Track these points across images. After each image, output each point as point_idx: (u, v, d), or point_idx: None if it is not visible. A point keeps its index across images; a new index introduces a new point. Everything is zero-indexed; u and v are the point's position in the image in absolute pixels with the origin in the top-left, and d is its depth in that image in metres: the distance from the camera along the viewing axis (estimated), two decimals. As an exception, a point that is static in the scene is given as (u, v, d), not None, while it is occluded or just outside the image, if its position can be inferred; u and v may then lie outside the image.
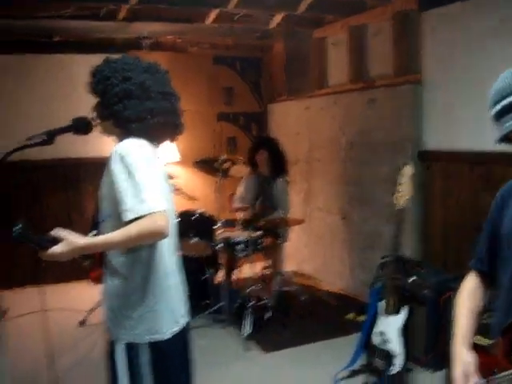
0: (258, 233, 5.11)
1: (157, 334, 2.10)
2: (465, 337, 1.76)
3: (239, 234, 5.16)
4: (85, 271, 2.30)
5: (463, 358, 1.68)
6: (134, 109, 2.04)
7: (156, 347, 2.10)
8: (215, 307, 4.86)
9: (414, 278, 3.96)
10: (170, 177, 2.35)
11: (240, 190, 5.76)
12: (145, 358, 2.09)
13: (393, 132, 4.88)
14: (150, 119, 2.07)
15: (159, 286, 2.11)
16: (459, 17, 4.27)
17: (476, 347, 1.74)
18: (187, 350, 2.33)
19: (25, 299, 5.21)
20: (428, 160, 4.64)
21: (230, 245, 4.95)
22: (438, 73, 4.51)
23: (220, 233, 4.93)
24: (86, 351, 4.40)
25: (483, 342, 1.75)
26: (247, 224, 5.02)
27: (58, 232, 1.93)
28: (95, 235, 2.08)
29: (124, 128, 2.08)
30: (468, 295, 1.87)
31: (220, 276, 5.21)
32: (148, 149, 2.07)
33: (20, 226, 1.83)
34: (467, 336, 1.76)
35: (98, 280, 2.20)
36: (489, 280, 1.86)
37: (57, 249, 1.90)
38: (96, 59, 2.16)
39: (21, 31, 5.78)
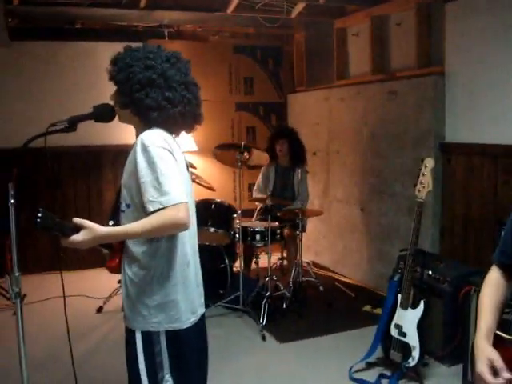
0: (277, 223, 5.11)
1: (176, 323, 2.12)
2: (489, 331, 1.74)
3: (257, 224, 5.16)
4: (103, 260, 2.30)
5: (489, 354, 1.66)
6: (156, 97, 2.03)
7: (174, 336, 2.12)
8: (232, 296, 4.86)
9: (433, 271, 3.93)
10: (191, 166, 2.35)
11: (259, 179, 5.76)
12: (163, 346, 2.11)
13: (414, 124, 4.84)
14: (171, 109, 2.07)
15: (179, 275, 2.12)
16: (483, 7, 4.21)
17: (498, 340, 1.72)
18: (203, 340, 2.34)
19: (43, 285, 5.28)
20: (449, 152, 4.59)
21: (248, 234, 4.95)
22: (461, 64, 4.45)
23: (238, 222, 4.93)
24: (102, 338, 4.45)
25: (505, 336, 1.73)
26: (266, 214, 5.01)
27: (80, 220, 1.94)
28: (114, 225, 2.09)
29: (144, 116, 2.07)
30: (491, 288, 1.85)
31: (238, 265, 5.21)
32: (170, 140, 2.06)
33: (42, 213, 1.84)
34: (490, 331, 1.75)
35: (115, 269, 2.20)
36: None
37: (78, 237, 1.92)
38: (119, 47, 2.15)
39: (43, 17, 5.82)
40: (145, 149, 1.97)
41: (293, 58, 7.28)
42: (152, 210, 1.92)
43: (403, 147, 5.00)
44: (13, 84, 5.99)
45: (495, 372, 1.62)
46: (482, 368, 1.65)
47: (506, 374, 1.59)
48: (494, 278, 1.87)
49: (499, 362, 1.62)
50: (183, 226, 1.95)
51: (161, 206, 1.91)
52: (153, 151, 1.96)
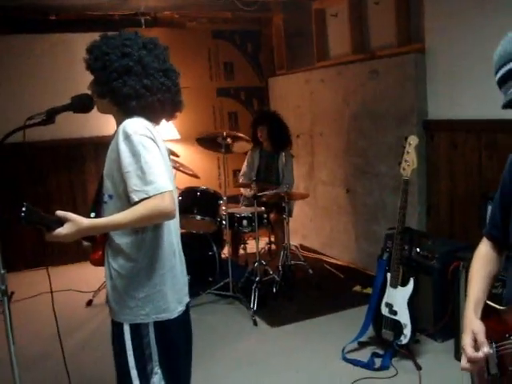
0: (263, 208, 5.09)
1: (164, 313, 2.10)
2: (477, 304, 1.75)
3: (244, 210, 5.14)
4: (86, 253, 2.27)
5: (474, 326, 1.66)
6: (133, 85, 1.98)
7: (162, 326, 2.10)
8: (222, 283, 4.85)
9: (421, 248, 3.94)
10: (174, 154, 2.32)
11: (244, 165, 5.74)
12: (151, 338, 2.09)
13: (396, 102, 4.83)
14: (150, 96, 2.03)
15: (165, 265, 2.10)
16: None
17: (489, 311, 1.73)
18: (188, 329, 2.33)
19: (30, 282, 5.23)
20: (432, 129, 4.59)
21: (234, 221, 4.93)
22: (442, 41, 4.43)
23: (224, 209, 4.91)
24: (93, 331, 4.42)
25: (497, 306, 1.74)
26: (252, 199, 4.99)
27: (63, 213, 1.90)
28: (95, 217, 2.06)
29: (122, 105, 2.03)
30: (481, 261, 1.85)
31: (226, 252, 5.20)
32: (151, 128, 2.03)
33: (26, 207, 1.81)
34: (479, 303, 1.75)
35: (99, 262, 2.17)
36: (502, 246, 1.84)
37: (62, 230, 1.88)
38: (95, 37, 2.11)
39: (16, 10, 5.70)
40: (127, 137, 1.93)
41: (272, 41, 7.22)
42: (137, 199, 1.89)
43: (386, 126, 4.99)
44: (-13, 79, 5.89)
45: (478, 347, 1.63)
46: (465, 340, 1.66)
47: (486, 349, 1.59)
48: (484, 251, 1.88)
49: (481, 336, 1.62)
50: (169, 215, 1.93)
51: (146, 196, 1.88)
52: (135, 140, 1.92)
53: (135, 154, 1.91)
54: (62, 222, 1.89)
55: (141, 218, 1.89)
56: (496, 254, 1.86)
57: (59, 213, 1.89)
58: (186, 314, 2.24)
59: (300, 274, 5.30)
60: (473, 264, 1.87)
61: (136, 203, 1.89)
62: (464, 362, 1.63)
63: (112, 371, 3.45)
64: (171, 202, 1.91)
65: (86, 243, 2.15)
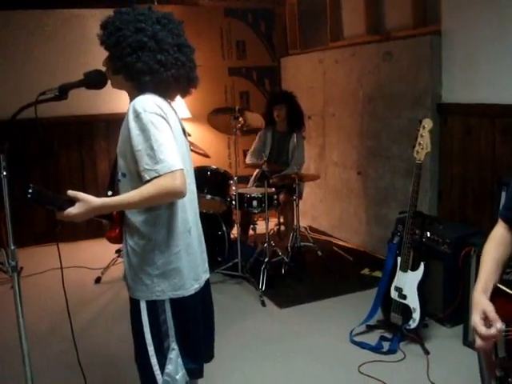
0: (273, 189, 5.07)
1: (180, 291, 2.11)
2: (487, 284, 1.74)
3: (254, 190, 5.12)
4: (102, 230, 2.27)
5: (484, 306, 1.66)
6: (147, 61, 1.96)
7: (178, 303, 2.11)
8: (230, 263, 4.86)
9: (432, 233, 3.91)
10: (188, 134, 2.30)
11: (255, 144, 5.70)
12: (168, 315, 2.10)
13: (411, 85, 4.77)
14: (163, 72, 2.00)
15: (181, 243, 2.10)
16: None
17: (499, 294, 1.72)
18: (208, 306, 2.34)
19: (39, 258, 5.26)
20: (446, 113, 4.53)
21: (244, 201, 4.92)
22: (458, 23, 4.35)
23: (234, 189, 4.89)
24: (101, 309, 4.44)
25: (507, 290, 1.72)
26: (262, 180, 4.96)
27: (74, 192, 1.90)
28: (112, 195, 2.05)
29: (136, 81, 2.01)
30: (495, 243, 1.84)
31: (235, 232, 5.19)
32: (163, 105, 2.00)
33: (32, 188, 1.80)
34: (489, 284, 1.74)
35: (115, 240, 2.17)
36: None
37: (73, 209, 1.89)
38: (107, 13, 2.07)
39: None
40: (137, 116, 1.91)
41: (285, 20, 7.14)
42: (148, 178, 1.87)
43: (400, 109, 4.93)
44: (-1, 55, 5.87)
45: (489, 324, 1.62)
46: (476, 319, 1.65)
47: (499, 325, 1.59)
48: (498, 233, 1.86)
49: (493, 314, 1.62)
50: (180, 194, 1.91)
51: (156, 174, 1.86)
52: (145, 118, 1.90)
53: (145, 133, 1.89)
54: (72, 201, 1.89)
55: (151, 196, 1.88)
56: (511, 236, 1.84)
57: (70, 192, 1.90)
58: (205, 290, 2.26)
59: (309, 256, 5.29)
60: (486, 245, 1.86)
61: (147, 182, 1.88)
62: (479, 341, 1.62)
63: (120, 347, 3.49)
64: (182, 181, 1.89)
65: (105, 221, 2.15)
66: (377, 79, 5.23)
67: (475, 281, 3.44)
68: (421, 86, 4.66)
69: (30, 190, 1.80)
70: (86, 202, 1.89)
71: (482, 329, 1.61)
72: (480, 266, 1.82)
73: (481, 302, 1.69)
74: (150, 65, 1.96)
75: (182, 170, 1.90)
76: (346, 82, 5.73)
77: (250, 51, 6.96)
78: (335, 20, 6.25)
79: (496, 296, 1.71)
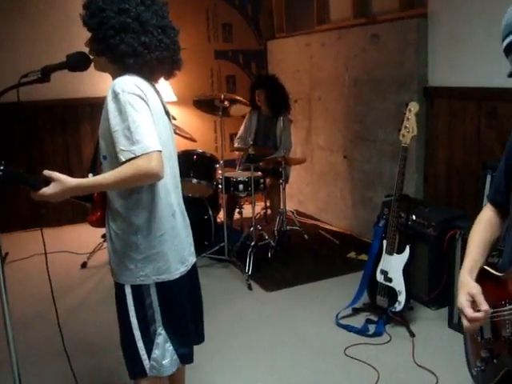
0: (260, 173, 5.06)
1: (164, 274, 2.10)
2: (473, 266, 1.74)
3: (240, 174, 5.11)
4: (84, 215, 2.25)
5: (470, 288, 1.66)
6: (131, 43, 1.93)
7: (164, 287, 2.10)
8: (217, 247, 4.85)
9: (418, 216, 3.93)
10: (173, 117, 2.27)
11: (241, 129, 5.69)
12: (153, 299, 2.10)
13: (397, 68, 4.76)
14: (147, 54, 1.97)
15: (163, 226, 2.08)
16: None
17: (486, 276, 1.72)
18: (195, 290, 2.33)
19: (24, 243, 5.21)
20: (432, 97, 4.53)
21: (230, 185, 4.91)
22: (445, 5, 4.33)
23: (221, 173, 4.87)
24: (87, 293, 4.43)
25: (493, 271, 1.73)
26: (248, 164, 4.95)
27: (49, 172, 1.88)
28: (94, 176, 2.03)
29: (120, 63, 1.98)
30: (483, 225, 1.84)
31: (221, 216, 5.18)
32: (144, 86, 1.97)
33: (3, 166, 1.78)
34: (476, 266, 1.75)
35: (97, 223, 2.15)
36: (505, 212, 1.83)
37: (48, 189, 1.86)
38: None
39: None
40: (115, 96, 1.88)
41: (272, 3, 7.08)
42: (124, 159, 1.84)
43: (386, 92, 4.93)
44: (-19, 37, 5.77)
45: (476, 307, 1.62)
46: (462, 302, 1.65)
47: (485, 307, 1.59)
48: (486, 216, 1.87)
49: (479, 297, 1.62)
50: (156, 176, 1.88)
51: (132, 155, 1.83)
52: (123, 98, 1.87)
53: (122, 113, 1.86)
54: (48, 182, 1.87)
55: (127, 178, 1.85)
56: (499, 219, 1.85)
57: (46, 172, 1.88)
58: (191, 274, 2.25)
59: (295, 240, 5.30)
60: (474, 227, 1.87)
61: (124, 163, 1.85)
62: (466, 323, 1.63)
63: (106, 332, 3.48)
64: (158, 163, 1.85)
65: (88, 205, 2.13)
66: (363, 63, 5.22)
67: (460, 263, 3.47)
68: (407, 70, 4.65)
69: (2, 167, 1.77)
70: (60, 181, 1.86)
71: (468, 311, 1.61)
72: (467, 247, 1.82)
73: (467, 283, 1.69)
74: (133, 47, 1.93)
75: (160, 152, 1.87)
76: (333, 66, 5.71)
77: (237, 34, 6.92)
78: (322, 3, 6.21)
79: (482, 278, 1.71)
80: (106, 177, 1.88)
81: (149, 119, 1.90)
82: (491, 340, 1.64)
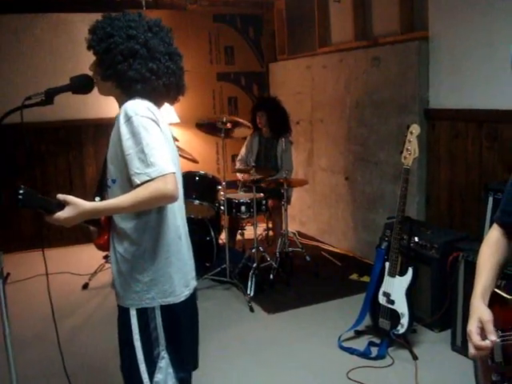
0: (262, 194, 5.07)
1: (170, 297, 2.08)
2: (485, 291, 1.72)
3: (242, 196, 5.12)
4: (87, 236, 2.25)
5: (482, 314, 1.64)
6: (139, 69, 1.95)
7: (168, 310, 2.09)
8: (219, 269, 4.84)
9: (420, 238, 3.92)
10: (175, 139, 2.28)
11: (242, 150, 5.71)
12: (158, 322, 2.07)
13: (398, 90, 4.79)
14: (155, 80, 1.99)
15: (170, 249, 2.07)
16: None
17: (497, 299, 1.71)
18: (195, 313, 2.32)
19: (26, 263, 5.20)
20: (434, 118, 4.55)
21: (232, 206, 4.91)
22: (445, 29, 4.37)
23: (223, 194, 4.88)
24: (88, 315, 4.41)
25: (505, 295, 1.71)
26: (250, 185, 4.96)
27: (64, 196, 1.87)
28: (100, 200, 2.03)
29: (126, 88, 1.99)
30: (491, 248, 1.82)
31: (223, 238, 5.17)
32: (154, 109, 1.99)
33: (23, 190, 1.77)
34: (487, 290, 1.73)
35: (104, 247, 2.15)
36: None
37: (63, 213, 1.85)
38: (95, 18, 2.04)
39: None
40: (128, 119, 1.89)
41: (274, 25, 7.16)
42: (139, 182, 1.85)
43: (387, 114, 4.95)
44: (-15, 58, 5.83)
45: (484, 334, 1.61)
46: (471, 327, 1.63)
47: (493, 338, 1.57)
48: (494, 237, 1.85)
49: (489, 325, 1.60)
50: (172, 198, 1.89)
51: (148, 178, 1.84)
52: (136, 121, 1.88)
53: (136, 136, 1.87)
54: (62, 205, 1.86)
55: (143, 200, 1.86)
56: (506, 240, 1.83)
57: (60, 196, 1.86)
58: (192, 297, 2.23)
59: (297, 261, 5.29)
60: (482, 250, 1.84)
61: (138, 186, 1.85)
62: (472, 350, 1.61)
63: (106, 354, 3.45)
64: (174, 185, 1.86)
65: (92, 228, 2.12)
66: (364, 85, 5.25)
67: (463, 286, 3.47)
68: (408, 92, 4.68)
69: (21, 191, 1.76)
70: (76, 205, 1.86)
71: (476, 338, 1.59)
72: (477, 270, 1.80)
73: (479, 308, 1.67)
74: (141, 73, 1.95)
75: (174, 173, 1.88)
76: (334, 88, 5.75)
77: (239, 56, 6.97)
78: (323, 26, 6.27)
79: (492, 301, 1.70)
80: (122, 200, 1.88)
81: (162, 142, 1.91)
82: (502, 364, 1.62)
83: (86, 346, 3.84)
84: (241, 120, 4.95)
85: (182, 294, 2.12)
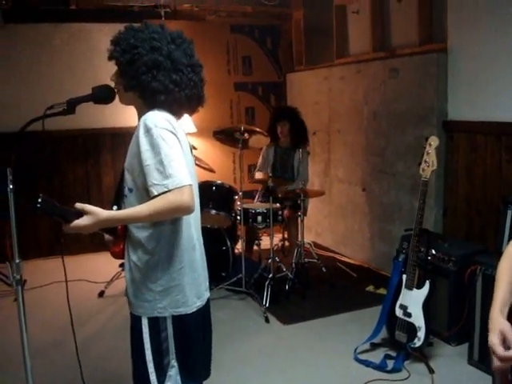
0: (278, 204, 5.06)
1: (182, 308, 2.09)
2: (504, 305, 1.71)
3: (259, 206, 5.12)
4: (105, 245, 2.26)
5: (502, 326, 1.63)
6: (163, 80, 1.97)
7: (180, 320, 2.09)
8: (234, 279, 4.83)
9: (438, 251, 3.90)
10: (193, 148, 2.30)
11: (259, 160, 5.71)
12: (169, 332, 2.08)
13: (416, 102, 4.77)
14: (178, 92, 2.01)
15: (185, 259, 2.09)
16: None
17: None
18: (208, 324, 2.32)
19: (43, 270, 5.25)
20: (452, 131, 4.53)
21: (249, 216, 4.91)
22: (464, 40, 4.36)
23: (239, 204, 4.88)
24: (104, 323, 4.42)
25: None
26: (267, 195, 4.96)
27: (82, 205, 1.90)
28: (117, 209, 2.05)
29: (149, 99, 2.01)
30: (510, 261, 1.81)
31: (239, 248, 5.17)
32: (173, 121, 2.01)
33: (42, 198, 1.79)
34: (506, 304, 1.72)
35: (120, 255, 2.16)
36: None
37: (81, 222, 1.88)
38: (115, 28, 2.08)
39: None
40: (148, 131, 1.91)
41: (291, 36, 7.17)
42: (156, 193, 1.87)
43: (405, 126, 4.94)
44: (7, 68, 5.89)
45: (507, 346, 1.59)
46: (493, 340, 1.62)
47: None
48: None
49: (511, 334, 1.59)
50: (188, 210, 1.91)
51: (165, 189, 1.86)
52: (156, 133, 1.90)
53: (155, 148, 1.89)
54: (80, 213, 1.88)
55: (159, 211, 1.88)
56: None
57: (78, 205, 1.90)
58: (205, 308, 2.23)
59: (313, 272, 5.26)
60: (501, 263, 1.83)
61: (155, 197, 1.87)
62: (496, 362, 1.60)
63: (122, 362, 3.45)
64: (190, 197, 1.88)
65: (107, 236, 2.14)
66: (382, 96, 5.24)
67: (481, 299, 3.43)
68: (426, 103, 4.66)
69: (40, 200, 1.80)
70: (94, 214, 1.89)
71: (499, 349, 1.59)
72: (496, 284, 1.78)
73: (499, 321, 1.66)
74: (165, 84, 1.98)
75: (191, 185, 1.90)
76: (352, 99, 5.74)
77: (256, 67, 7.00)
78: (341, 37, 6.28)
79: (511, 315, 1.69)
80: (139, 210, 1.90)
81: (180, 154, 1.93)
82: None
83: (102, 353, 3.85)
84: (258, 129, 4.96)
85: (193, 304, 2.13)
